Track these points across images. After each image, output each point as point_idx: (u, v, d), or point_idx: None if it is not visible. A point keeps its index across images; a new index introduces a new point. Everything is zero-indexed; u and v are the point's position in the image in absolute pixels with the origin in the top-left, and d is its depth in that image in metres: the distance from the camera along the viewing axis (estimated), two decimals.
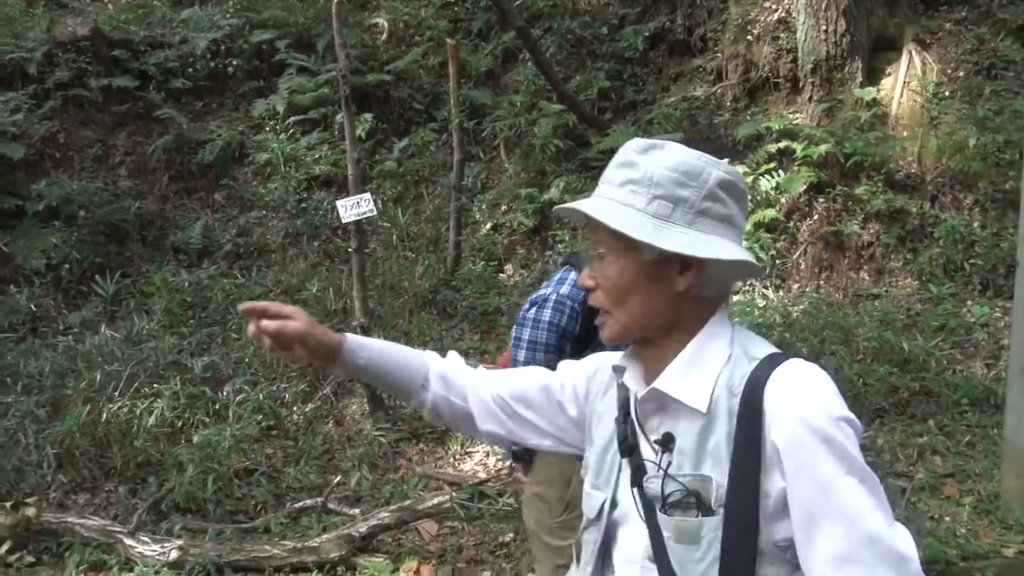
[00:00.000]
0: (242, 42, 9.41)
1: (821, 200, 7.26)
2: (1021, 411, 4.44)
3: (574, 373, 1.68)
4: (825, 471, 1.26)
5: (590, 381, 1.64)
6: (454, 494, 4.78)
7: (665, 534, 1.36)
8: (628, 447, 1.46)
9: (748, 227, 7.07)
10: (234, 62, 9.29)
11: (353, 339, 1.63)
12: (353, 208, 5.57)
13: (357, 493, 5.12)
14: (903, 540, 1.27)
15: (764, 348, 1.41)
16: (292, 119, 8.85)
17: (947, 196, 7.12)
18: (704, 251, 1.35)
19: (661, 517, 1.37)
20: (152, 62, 9.06)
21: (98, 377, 5.75)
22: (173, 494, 4.88)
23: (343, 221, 5.74)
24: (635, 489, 1.42)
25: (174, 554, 4.37)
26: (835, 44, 7.78)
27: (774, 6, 8.44)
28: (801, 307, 6.60)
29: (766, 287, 6.95)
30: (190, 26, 9.56)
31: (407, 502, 4.68)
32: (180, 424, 5.55)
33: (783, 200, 7.25)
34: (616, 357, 1.56)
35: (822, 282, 6.96)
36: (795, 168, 7.32)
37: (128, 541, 4.44)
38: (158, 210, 8.28)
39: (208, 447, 5.12)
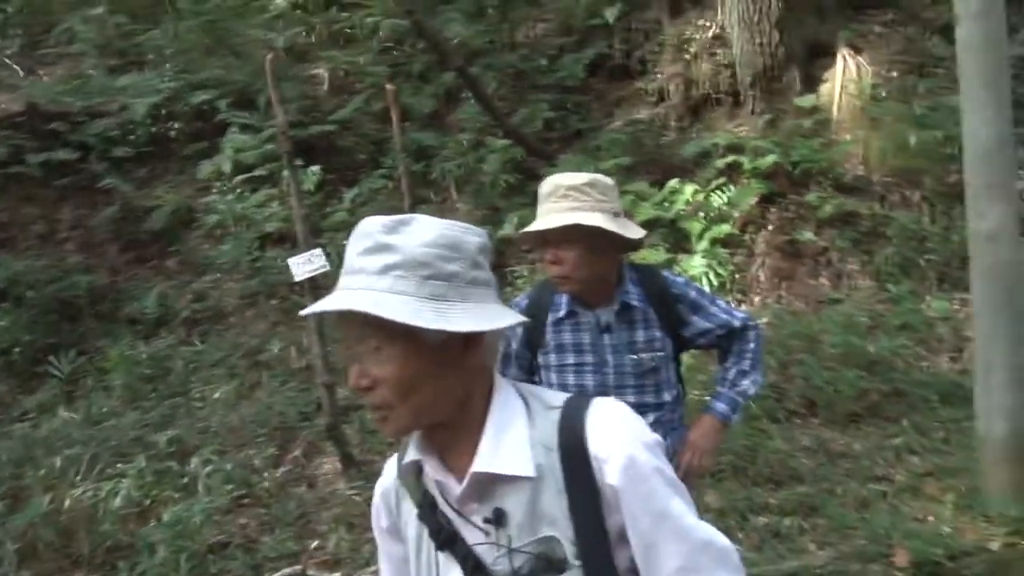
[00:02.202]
0: (182, 104, 9.29)
1: (773, 211, 7.30)
2: (990, 401, 4.46)
3: (381, 526, 1.56)
4: (658, 500, 1.34)
5: (388, 509, 1.54)
6: None
7: None
8: (446, 538, 1.40)
9: (705, 244, 7.09)
10: (176, 125, 9.19)
11: None
12: (305, 265, 5.46)
13: (336, 556, 4.96)
14: (719, 535, 1.38)
15: (552, 395, 1.44)
16: (239, 178, 8.72)
17: (895, 195, 7.21)
18: (488, 323, 1.33)
19: None
20: (91, 132, 8.90)
21: (58, 463, 5.55)
22: None
23: (295, 279, 5.64)
24: None
25: None
26: (771, 55, 7.89)
27: (708, 23, 8.55)
28: (764, 319, 6.59)
29: (728, 302, 6.94)
30: (128, 93, 9.45)
31: None
32: (149, 503, 5.35)
33: (736, 214, 7.28)
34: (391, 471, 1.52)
35: (783, 292, 6.98)
36: (744, 181, 7.37)
37: None
38: (109, 283, 8.10)
39: (179, 524, 4.94)
